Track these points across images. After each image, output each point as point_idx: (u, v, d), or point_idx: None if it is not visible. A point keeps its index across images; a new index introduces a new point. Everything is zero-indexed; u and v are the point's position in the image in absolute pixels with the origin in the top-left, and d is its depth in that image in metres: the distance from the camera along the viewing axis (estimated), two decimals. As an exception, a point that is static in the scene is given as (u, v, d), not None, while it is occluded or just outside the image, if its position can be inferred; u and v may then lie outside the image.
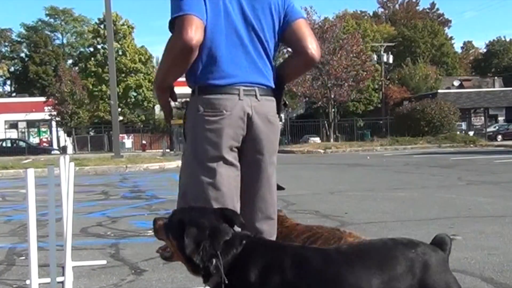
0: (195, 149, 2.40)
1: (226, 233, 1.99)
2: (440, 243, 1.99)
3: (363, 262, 1.90)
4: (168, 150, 35.37)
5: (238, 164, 2.41)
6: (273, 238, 2.54)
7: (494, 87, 59.58)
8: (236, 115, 2.36)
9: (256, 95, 2.41)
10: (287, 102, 2.68)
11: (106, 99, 45.85)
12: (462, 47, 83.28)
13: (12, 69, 66.80)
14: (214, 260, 1.93)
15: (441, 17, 79.03)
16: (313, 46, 2.48)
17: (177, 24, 2.28)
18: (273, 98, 2.50)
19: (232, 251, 1.95)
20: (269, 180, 2.49)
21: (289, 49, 2.69)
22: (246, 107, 2.38)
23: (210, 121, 2.36)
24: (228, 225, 2.03)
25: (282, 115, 2.74)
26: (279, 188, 2.73)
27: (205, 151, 2.38)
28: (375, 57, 48.35)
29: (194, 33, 2.24)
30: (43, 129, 49.58)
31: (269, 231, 2.51)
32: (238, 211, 2.38)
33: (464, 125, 41.99)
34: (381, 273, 1.86)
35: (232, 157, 2.39)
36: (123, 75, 49.28)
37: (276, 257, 1.93)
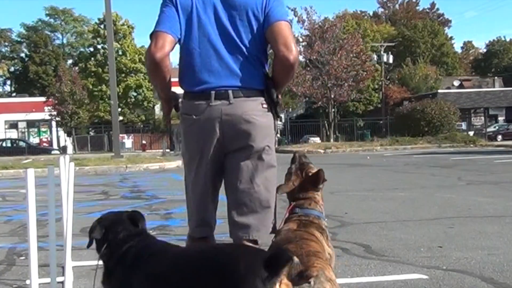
0: (183, 148, 2.74)
1: (119, 229, 2.39)
2: (273, 258, 1.92)
3: (174, 264, 2.13)
4: (168, 150, 35.36)
5: (214, 163, 2.63)
6: (262, 232, 2.61)
7: (494, 87, 59.59)
8: (205, 119, 2.58)
9: (228, 98, 2.57)
10: (279, 101, 2.70)
11: (106, 99, 45.83)
12: (462, 47, 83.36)
13: (12, 69, 66.77)
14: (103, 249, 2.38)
15: (441, 17, 79.04)
16: (285, 48, 2.55)
17: (150, 39, 2.58)
18: (253, 98, 2.61)
19: (117, 245, 2.35)
20: (253, 174, 2.60)
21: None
22: (215, 111, 2.57)
23: (186, 125, 2.66)
24: (133, 225, 2.41)
25: (282, 115, 2.79)
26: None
27: (185, 152, 2.71)
28: (375, 57, 48.33)
29: (159, 48, 2.52)
30: (43, 129, 49.57)
31: (256, 225, 2.60)
32: (213, 206, 2.70)
33: (464, 125, 41.98)
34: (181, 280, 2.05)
35: (206, 154, 2.61)
36: (123, 75, 49.26)
37: (136, 253, 2.26)
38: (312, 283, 2.08)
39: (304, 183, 2.71)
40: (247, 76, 2.60)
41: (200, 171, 2.63)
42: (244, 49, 2.60)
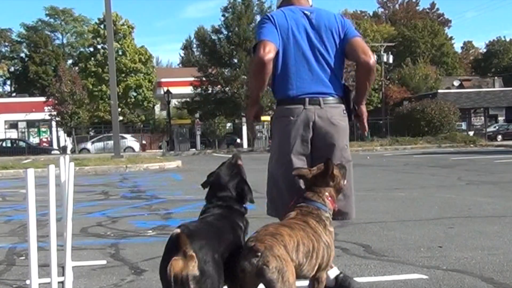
0: (274, 145, 3.28)
1: (222, 193, 2.84)
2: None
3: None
4: (164, 150, 35.38)
5: (304, 157, 3.15)
6: (351, 213, 3.23)
7: (494, 87, 59.55)
8: (301, 120, 3.13)
9: (320, 104, 3.15)
10: (356, 108, 3.31)
11: (106, 99, 45.79)
12: (462, 47, 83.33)
13: (12, 69, 66.71)
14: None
15: (441, 17, 79.01)
16: (364, 55, 3.17)
17: (256, 47, 3.09)
18: (338, 105, 3.20)
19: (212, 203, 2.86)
20: None
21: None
22: (310, 114, 3.13)
23: (282, 126, 3.19)
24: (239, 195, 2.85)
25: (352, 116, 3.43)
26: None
27: (279, 147, 3.21)
28: (375, 57, 48.27)
29: (267, 52, 3.04)
30: (43, 129, 49.52)
31: (345, 205, 3.17)
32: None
33: (464, 125, 41.98)
34: None
35: (300, 150, 3.15)
36: (123, 75, 49.20)
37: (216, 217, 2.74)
38: (259, 256, 2.37)
39: (317, 177, 2.92)
40: (332, 85, 3.20)
41: (291, 164, 3.10)
42: (330, 62, 3.20)
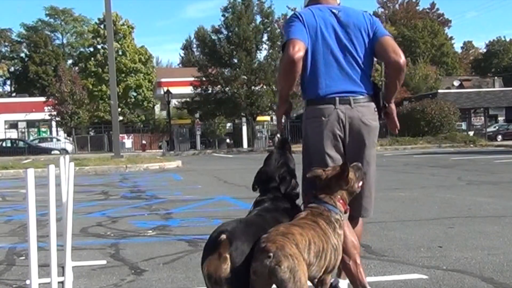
0: (309, 145, 3.22)
1: (269, 185, 3.00)
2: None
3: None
4: (164, 150, 35.40)
5: (338, 156, 3.12)
6: (371, 210, 3.27)
7: (494, 87, 59.54)
8: (332, 120, 3.11)
9: (350, 103, 3.12)
10: (386, 105, 3.30)
11: (106, 99, 45.81)
12: (462, 47, 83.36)
13: (12, 69, 66.74)
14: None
15: (441, 17, 79.02)
16: (395, 54, 3.13)
17: (285, 45, 3.06)
18: (368, 104, 3.17)
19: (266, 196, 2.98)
20: (367, 167, 3.14)
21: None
22: (340, 114, 3.11)
23: (313, 126, 3.17)
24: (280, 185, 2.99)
25: (382, 115, 3.39)
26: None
27: (314, 147, 3.17)
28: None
29: (296, 51, 3.01)
30: (43, 129, 49.53)
31: (366, 207, 3.23)
32: None
33: (464, 125, 41.96)
34: None
35: (333, 150, 3.12)
36: (123, 75, 49.23)
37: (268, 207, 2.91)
38: (271, 257, 2.37)
39: (331, 178, 2.91)
40: (362, 83, 3.16)
41: (327, 163, 3.08)
42: (359, 60, 3.16)
